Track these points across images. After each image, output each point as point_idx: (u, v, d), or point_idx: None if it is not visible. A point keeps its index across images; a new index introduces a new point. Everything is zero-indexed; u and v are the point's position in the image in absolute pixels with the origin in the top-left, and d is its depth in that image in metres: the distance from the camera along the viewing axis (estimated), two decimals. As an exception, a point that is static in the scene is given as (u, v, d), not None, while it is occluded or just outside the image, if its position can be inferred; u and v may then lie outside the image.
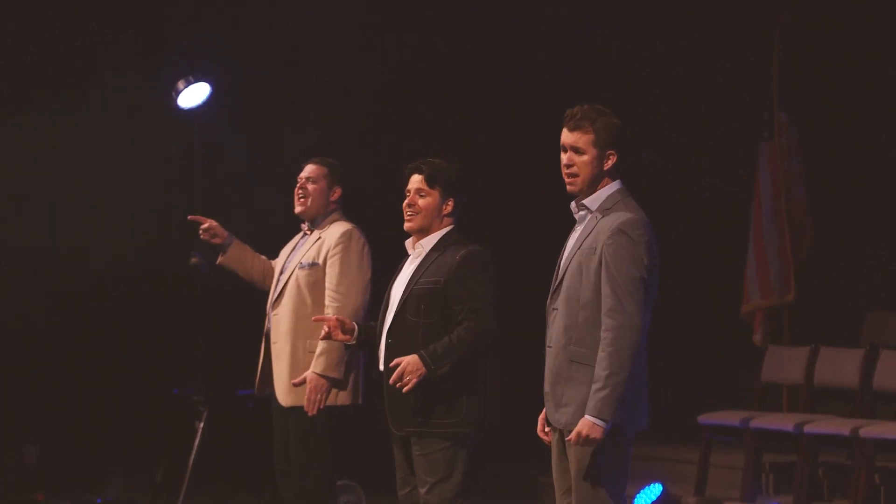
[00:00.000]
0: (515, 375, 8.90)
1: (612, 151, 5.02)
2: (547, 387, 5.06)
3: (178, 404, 9.57)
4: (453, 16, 10.61)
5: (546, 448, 5.20)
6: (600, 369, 4.85)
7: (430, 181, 5.75)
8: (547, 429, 5.15)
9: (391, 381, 5.54)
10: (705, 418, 9.11)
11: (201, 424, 8.94)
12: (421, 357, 5.54)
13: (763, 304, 9.89)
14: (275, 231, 7.38)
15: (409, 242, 5.84)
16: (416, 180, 5.78)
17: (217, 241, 7.05)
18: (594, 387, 4.85)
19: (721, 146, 10.46)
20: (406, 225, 5.78)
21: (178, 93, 8.68)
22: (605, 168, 5.02)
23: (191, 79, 8.69)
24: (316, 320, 6.06)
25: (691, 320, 10.47)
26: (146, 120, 9.77)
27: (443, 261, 5.69)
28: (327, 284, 6.63)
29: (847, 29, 10.12)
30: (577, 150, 5.02)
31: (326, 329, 5.79)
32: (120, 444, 10.11)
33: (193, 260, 8.50)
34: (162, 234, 9.83)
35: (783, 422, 8.76)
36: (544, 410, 5.14)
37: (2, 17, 9.75)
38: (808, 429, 8.54)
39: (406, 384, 5.51)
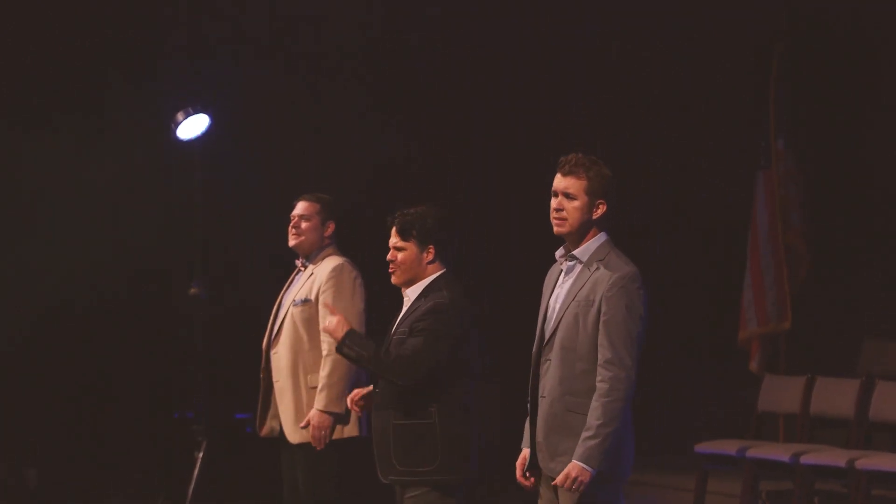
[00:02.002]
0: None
1: (602, 201, 5.10)
2: (539, 436, 5.11)
3: (178, 428, 9.62)
4: (452, 36, 10.67)
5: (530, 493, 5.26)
6: (593, 418, 4.93)
7: (403, 234, 5.71)
8: (528, 473, 5.20)
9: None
10: (702, 447, 9.14)
11: (200, 454, 8.98)
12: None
13: (760, 331, 9.93)
14: (275, 262, 7.42)
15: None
16: (392, 234, 5.76)
17: None
18: (585, 434, 4.94)
19: (718, 174, 10.50)
20: (392, 279, 5.78)
21: (177, 124, 8.72)
22: (594, 217, 5.10)
23: (190, 110, 8.72)
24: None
25: (688, 348, 10.51)
26: (146, 151, 9.81)
27: (418, 311, 5.70)
28: (320, 320, 6.68)
29: (844, 56, 10.15)
30: (568, 196, 5.10)
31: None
32: (120, 467, 10.15)
33: (193, 290, 8.55)
34: (162, 262, 9.88)
35: (780, 452, 8.79)
36: (522, 456, 5.21)
37: (8, 50, 9.80)
38: (804, 459, 8.58)
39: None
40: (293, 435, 6.72)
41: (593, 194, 5.09)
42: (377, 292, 6.65)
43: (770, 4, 10.19)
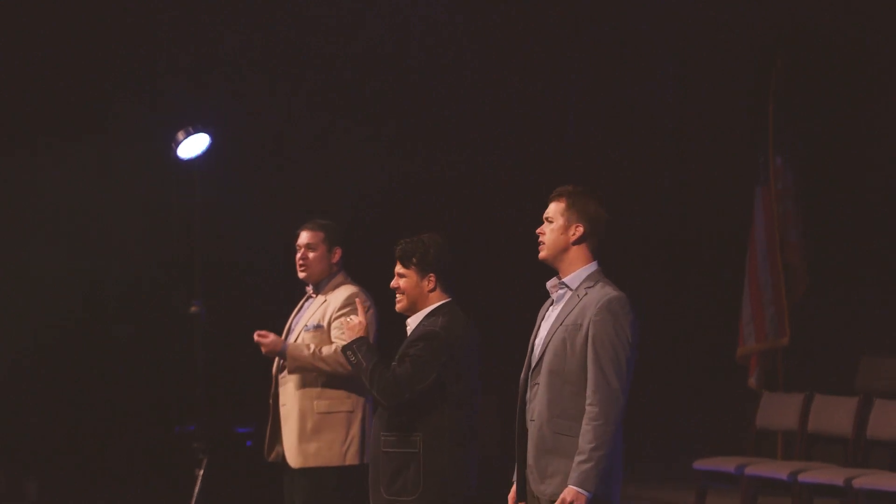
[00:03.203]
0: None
1: (580, 224, 5.14)
2: (530, 459, 5.16)
3: (179, 442, 9.63)
4: (455, 59, 10.71)
5: None
6: (585, 442, 4.97)
7: (403, 261, 5.77)
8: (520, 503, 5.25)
9: None
10: (701, 464, 9.18)
11: (201, 472, 8.98)
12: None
13: (758, 347, 9.95)
14: (275, 283, 7.44)
15: None
16: (397, 262, 5.82)
17: None
18: (578, 458, 4.97)
19: (717, 190, 10.53)
20: (396, 306, 5.83)
21: (177, 144, 8.71)
22: (572, 239, 5.15)
23: (190, 130, 8.71)
24: None
25: (687, 364, 10.54)
26: (147, 169, 9.85)
27: (410, 337, 5.74)
28: (332, 338, 6.72)
29: (842, 74, 10.18)
30: (547, 219, 5.19)
31: None
32: (120, 481, 10.17)
33: (193, 308, 8.55)
34: (162, 279, 9.92)
35: (778, 470, 8.84)
36: (512, 491, 5.24)
37: (10, 71, 9.84)
38: (802, 477, 8.63)
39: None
40: (295, 459, 6.75)
41: (569, 216, 5.14)
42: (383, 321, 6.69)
43: (768, 22, 10.22)
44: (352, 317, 5.87)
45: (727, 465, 9.06)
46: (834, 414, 9.09)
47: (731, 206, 10.33)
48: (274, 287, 7.35)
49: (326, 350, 6.68)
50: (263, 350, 6.79)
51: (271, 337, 6.76)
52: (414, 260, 5.73)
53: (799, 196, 9.98)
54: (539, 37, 10.71)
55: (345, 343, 5.82)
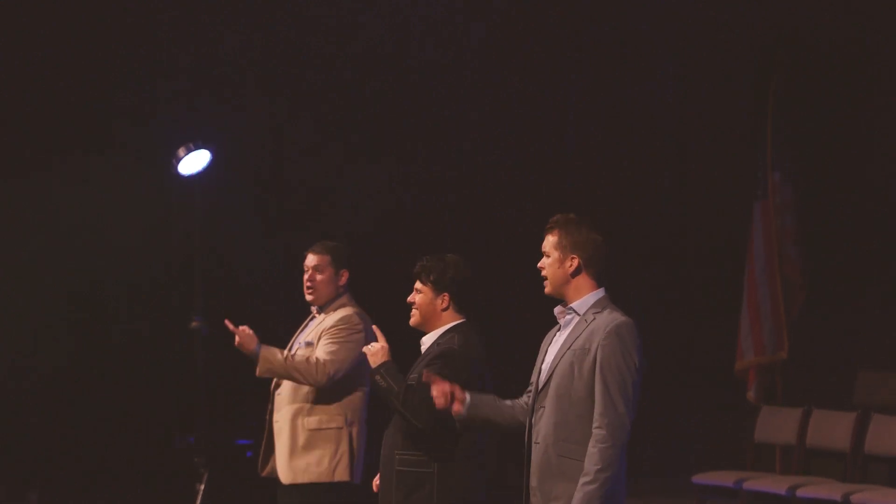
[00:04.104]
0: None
1: (575, 255, 5.18)
2: (533, 482, 5.18)
3: (179, 454, 9.67)
4: (456, 81, 10.74)
5: None
6: (591, 464, 5.00)
7: (421, 277, 5.85)
8: None
9: None
10: (699, 478, 9.22)
11: (202, 486, 9.01)
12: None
13: (757, 361, 9.99)
14: (276, 299, 7.47)
15: None
16: (415, 277, 5.90)
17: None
18: (583, 479, 5.00)
19: (716, 205, 10.55)
20: (410, 321, 5.89)
21: (178, 160, 8.73)
22: (569, 271, 5.19)
23: (191, 146, 8.74)
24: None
25: (685, 377, 10.56)
26: (148, 186, 9.88)
27: (428, 357, 5.79)
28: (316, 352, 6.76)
29: (841, 90, 10.20)
30: (544, 253, 5.23)
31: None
32: (121, 493, 10.20)
33: (194, 324, 8.57)
34: (163, 295, 9.96)
35: (776, 485, 8.87)
36: None
37: (19, 89, 9.90)
38: (800, 493, 8.67)
39: None
40: (285, 475, 6.78)
41: (563, 249, 5.18)
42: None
43: (767, 38, 10.25)
44: (372, 344, 5.88)
45: (726, 479, 9.10)
46: (832, 429, 9.14)
47: (730, 221, 10.36)
48: (278, 307, 7.36)
49: (300, 357, 6.70)
50: (236, 342, 6.74)
51: (248, 331, 6.71)
52: (431, 278, 5.81)
53: (797, 211, 10.01)
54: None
55: (372, 368, 5.81)
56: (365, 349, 5.87)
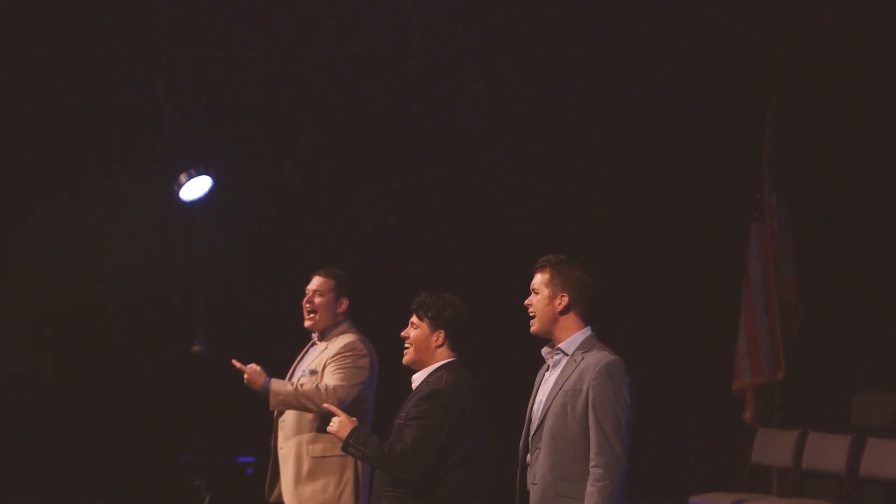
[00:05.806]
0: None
1: (565, 294, 5.24)
2: None
3: (180, 471, 9.73)
4: (454, 103, 10.77)
5: None
6: (591, 502, 5.06)
7: (419, 313, 5.84)
8: None
9: None
10: (696, 499, 9.25)
11: (205, 507, 9.08)
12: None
13: (754, 381, 9.99)
14: (277, 324, 7.52)
15: None
16: (413, 312, 5.90)
17: None
18: None
19: (713, 226, 10.58)
20: (403, 359, 5.89)
21: (180, 186, 8.79)
22: (558, 309, 5.24)
23: (193, 172, 8.80)
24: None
25: (682, 398, 10.60)
26: (150, 212, 9.96)
27: (416, 396, 5.78)
28: (324, 379, 6.81)
29: (838, 112, 10.22)
30: (533, 290, 5.29)
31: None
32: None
33: (196, 348, 8.64)
34: (164, 317, 10.03)
35: (772, 508, 8.93)
36: None
37: (22, 119, 9.98)
38: (796, 515, 8.72)
39: None
40: (291, 500, 6.86)
41: (554, 287, 5.24)
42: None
43: (765, 59, 10.28)
44: (332, 420, 5.80)
45: (723, 500, 9.15)
46: (828, 451, 9.18)
47: (727, 242, 10.39)
48: (278, 331, 7.41)
49: (308, 385, 6.75)
50: (245, 379, 6.82)
51: (256, 368, 6.79)
52: (429, 314, 5.80)
53: (794, 232, 10.05)
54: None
55: (342, 443, 5.75)
56: (329, 428, 5.78)
